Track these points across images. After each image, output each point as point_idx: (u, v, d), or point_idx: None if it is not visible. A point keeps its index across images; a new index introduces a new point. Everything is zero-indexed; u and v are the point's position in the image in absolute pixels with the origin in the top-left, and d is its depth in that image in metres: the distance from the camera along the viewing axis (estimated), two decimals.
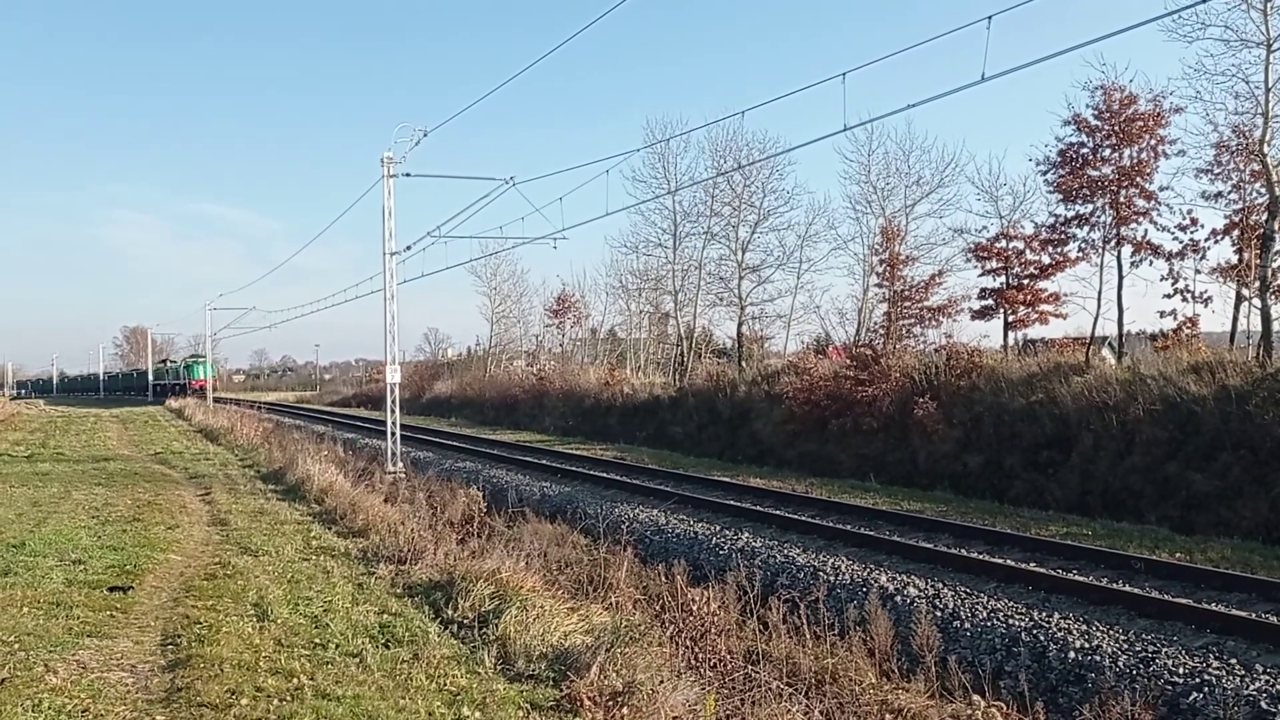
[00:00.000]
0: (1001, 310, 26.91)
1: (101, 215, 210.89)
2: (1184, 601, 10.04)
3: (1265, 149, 19.62)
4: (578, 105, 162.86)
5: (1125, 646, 9.00)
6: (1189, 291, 23.06)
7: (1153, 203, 23.42)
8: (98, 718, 5.92)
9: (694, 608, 9.41)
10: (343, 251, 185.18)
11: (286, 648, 7.46)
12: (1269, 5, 19.27)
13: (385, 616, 8.54)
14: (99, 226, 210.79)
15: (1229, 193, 21.96)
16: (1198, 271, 23.02)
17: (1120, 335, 24.67)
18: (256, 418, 36.78)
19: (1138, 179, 23.33)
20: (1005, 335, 27.36)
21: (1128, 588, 10.72)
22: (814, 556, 13.12)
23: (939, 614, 10.37)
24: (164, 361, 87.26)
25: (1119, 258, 23.83)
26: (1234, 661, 8.42)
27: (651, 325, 50.93)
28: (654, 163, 40.41)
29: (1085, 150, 24.10)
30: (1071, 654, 9.08)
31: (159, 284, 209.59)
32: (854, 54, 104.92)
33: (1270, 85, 19.46)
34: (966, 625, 10.14)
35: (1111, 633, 9.37)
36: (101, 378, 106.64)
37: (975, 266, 27.83)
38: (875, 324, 30.29)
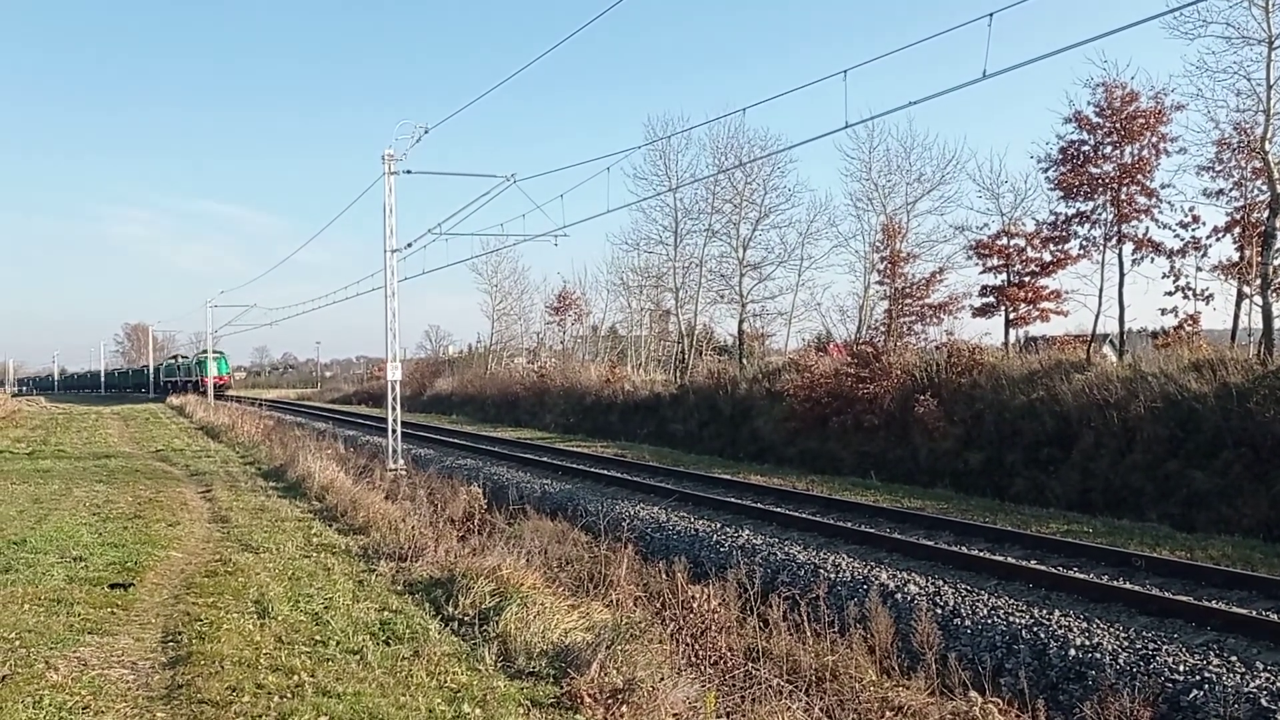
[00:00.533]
0: (1002, 308, 26.90)
1: (104, 213, 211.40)
2: (1184, 599, 10.04)
3: (1266, 146, 19.60)
4: (579, 103, 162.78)
5: (1126, 644, 9.00)
6: (1190, 289, 23.08)
7: (1154, 200, 23.43)
8: (98, 714, 5.93)
9: (694, 605, 9.42)
10: (344, 249, 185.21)
11: (287, 645, 7.47)
12: (1270, 2, 19.25)
13: (386, 614, 8.55)
14: (101, 224, 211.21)
15: (1230, 190, 21.98)
16: (1199, 269, 23.05)
17: (1121, 332, 24.66)
18: (257, 415, 36.82)
19: (1139, 176, 23.32)
20: (1006, 333, 27.39)
21: (1128, 585, 10.72)
22: (814, 554, 13.12)
23: (939, 611, 10.38)
24: (175, 358, 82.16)
25: (1120, 255, 23.84)
26: (1234, 659, 8.42)
27: (652, 322, 50.92)
28: (655, 160, 40.45)
29: (1086, 147, 24.09)
30: (1072, 651, 9.08)
31: (160, 281, 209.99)
32: (855, 51, 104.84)
33: (1271, 82, 19.44)
34: (967, 622, 10.14)
35: (1112, 630, 9.37)
36: (103, 375, 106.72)
37: (976, 264, 27.87)
38: (876, 321, 30.28)
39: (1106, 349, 26.61)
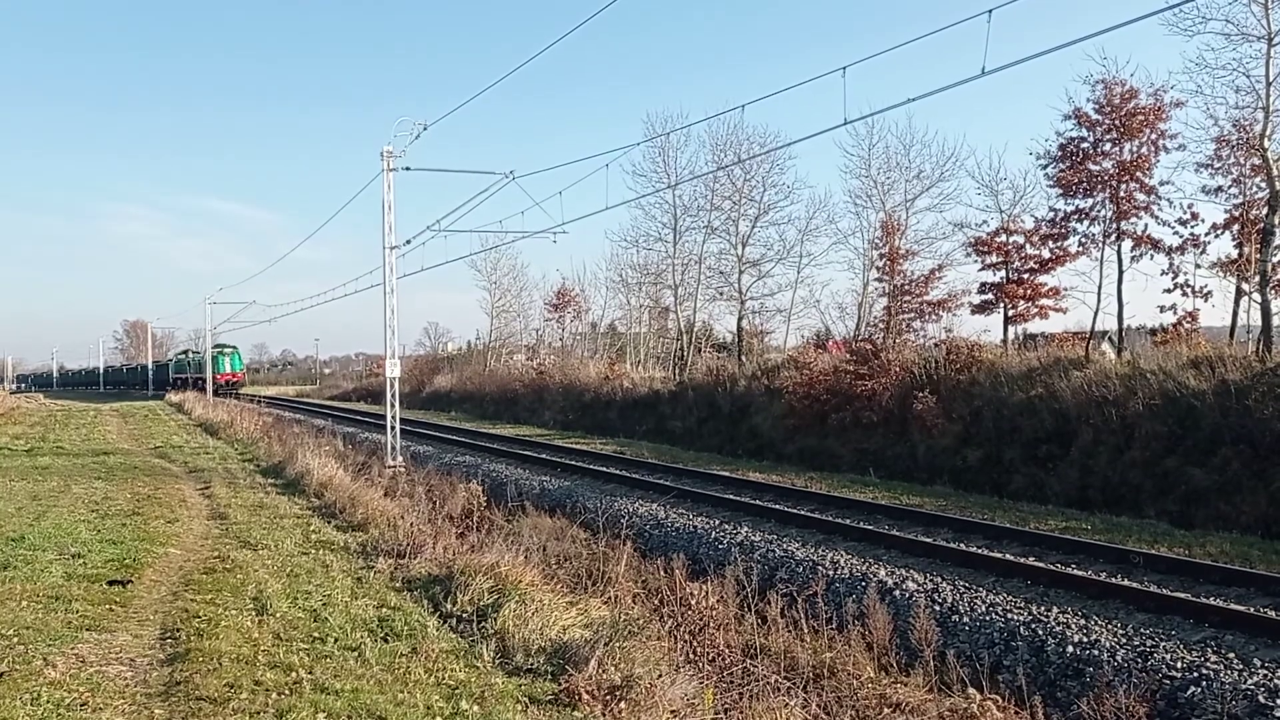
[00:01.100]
0: (1001, 305, 26.90)
1: (105, 210, 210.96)
2: (1182, 596, 10.05)
3: (1266, 143, 19.59)
4: (578, 100, 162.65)
5: (1124, 641, 9.01)
6: (1189, 286, 23.09)
7: (1153, 197, 23.42)
8: (96, 711, 5.93)
9: (693, 602, 9.43)
10: (344, 246, 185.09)
11: (285, 641, 7.47)
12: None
13: (384, 610, 8.55)
14: (101, 221, 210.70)
15: (1229, 187, 22.00)
16: (1198, 266, 23.07)
17: (1120, 330, 24.67)
18: (256, 412, 36.78)
19: (1138, 173, 23.30)
20: (1005, 330, 27.38)
21: (1126, 582, 10.73)
22: (813, 551, 13.13)
23: (938, 608, 10.39)
24: (185, 353, 77.24)
25: (1119, 252, 23.83)
26: (1232, 656, 8.43)
27: (651, 319, 50.90)
28: (654, 157, 40.45)
29: (1085, 144, 24.07)
30: (1070, 648, 9.09)
31: (159, 278, 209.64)
32: (855, 48, 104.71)
33: (1271, 79, 19.43)
34: (965, 619, 10.15)
35: (1110, 627, 9.38)
36: (102, 372, 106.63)
37: (975, 261, 27.85)
38: (875, 318, 30.26)
39: (1105, 346, 26.61)
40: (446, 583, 9.28)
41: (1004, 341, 26.93)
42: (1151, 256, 23.49)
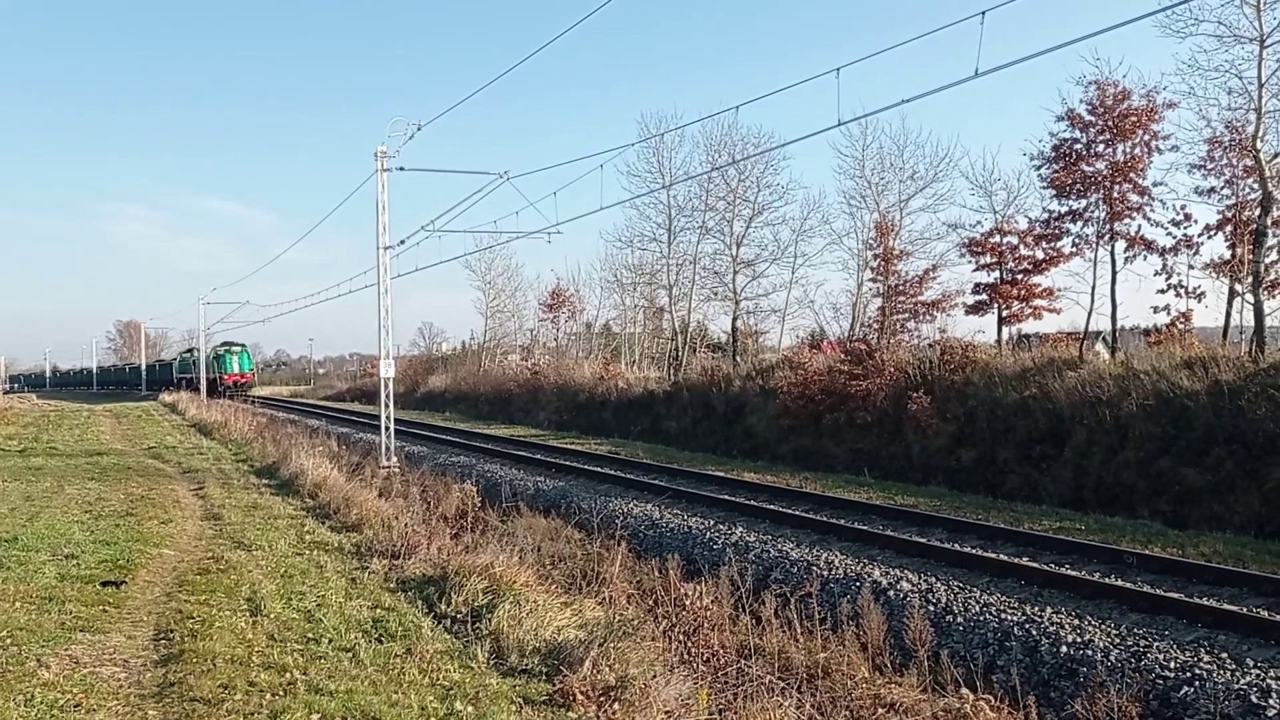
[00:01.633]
0: (995, 305, 26.97)
1: (102, 210, 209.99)
2: (1176, 596, 10.08)
3: (1258, 145, 19.67)
4: (572, 100, 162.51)
5: (1117, 641, 9.04)
6: (1182, 286, 23.20)
7: (1146, 198, 23.54)
8: (90, 712, 5.92)
9: (687, 602, 9.43)
10: (338, 246, 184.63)
11: (279, 642, 7.45)
12: (1262, 1, 19.30)
13: (378, 611, 8.54)
14: (100, 221, 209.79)
15: (1222, 188, 22.11)
16: (1191, 267, 23.18)
17: (1114, 330, 24.76)
18: (250, 412, 36.71)
19: (1131, 174, 23.42)
20: (999, 330, 27.42)
21: (1120, 582, 10.76)
22: (807, 551, 13.14)
23: (932, 608, 10.40)
24: (190, 351, 72.27)
25: (1112, 253, 23.92)
26: (1225, 656, 8.46)
27: (646, 320, 50.90)
28: (648, 157, 40.36)
29: (1079, 145, 24.18)
30: (1063, 648, 9.11)
31: (157, 278, 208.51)
32: (849, 49, 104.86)
33: (1263, 81, 19.51)
34: (959, 620, 10.17)
35: (1103, 627, 9.41)
36: (95, 372, 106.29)
37: (969, 261, 27.93)
38: (869, 319, 30.33)
39: (1099, 346, 26.71)
40: (441, 583, 9.28)
41: (998, 342, 27.00)
42: (1145, 257, 23.62)
